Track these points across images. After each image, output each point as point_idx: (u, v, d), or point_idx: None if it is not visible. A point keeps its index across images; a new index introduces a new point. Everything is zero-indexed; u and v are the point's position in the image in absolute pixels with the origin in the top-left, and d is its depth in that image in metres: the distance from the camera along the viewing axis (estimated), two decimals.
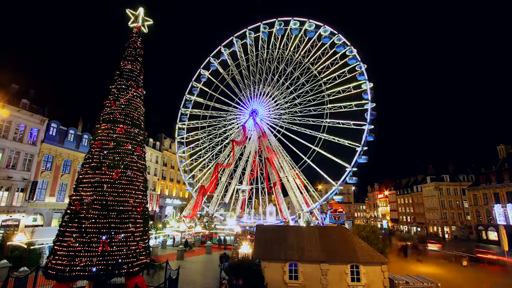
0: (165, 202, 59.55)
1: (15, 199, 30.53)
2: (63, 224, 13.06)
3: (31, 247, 19.73)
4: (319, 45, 44.20)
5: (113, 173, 13.71)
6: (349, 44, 41.71)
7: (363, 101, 40.79)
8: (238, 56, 50.06)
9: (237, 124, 50.68)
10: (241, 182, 49.87)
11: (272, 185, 46.20)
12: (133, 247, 13.25)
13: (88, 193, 13.22)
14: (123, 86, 15.78)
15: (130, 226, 13.43)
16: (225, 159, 48.15)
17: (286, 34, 45.97)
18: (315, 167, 42.81)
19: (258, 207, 60.64)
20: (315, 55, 44.95)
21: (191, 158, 53.88)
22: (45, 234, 22.52)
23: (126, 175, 14.10)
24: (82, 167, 14.35)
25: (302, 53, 45.81)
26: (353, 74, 41.82)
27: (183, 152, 52.95)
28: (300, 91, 46.05)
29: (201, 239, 40.00)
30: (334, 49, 42.96)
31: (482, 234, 56.65)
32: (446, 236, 67.30)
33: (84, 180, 13.64)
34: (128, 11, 18.23)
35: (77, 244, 12.18)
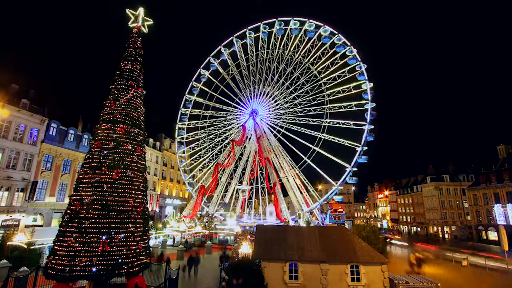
0: (165, 202, 59.55)
1: (15, 199, 30.53)
2: (63, 224, 13.06)
3: (31, 247, 19.73)
4: (319, 45, 44.27)
5: (113, 173, 13.72)
6: (349, 44, 41.76)
7: (363, 101, 40.82)
8: (238, 56, 50.11)
9: (237, 124, 50.70)
10: (241, 182, 49.89)
11: (272, 185, 46.22)
12: (133, 247, 13.25)
13: (88, 193, 13.22)
14: (123, 86, 15.79)
15: (130, 226, 13.44)
16: (225, 159, 48.17)
17: (286, 34, 46.01)
18: (315, 167, 42.92)
19: (258, 207, 60.64)
20: (315, 55, 45.02)
21: (191, 158, 53.90)
22: (45, 234, 22.54)
23: (126, 175, 14.11)
24: (82, 167, 14.35)
25: (302, 53, 45.87)
26: (353, 74, 41.86)
27: (183, 152, 52.97)
28: (300, 91, 46.13)
29: (201, 239, 39.99)
30: (334, 49, 43.04)
31: (482, 234, 56.64)
32: (446, 236, 67.31)
33: (84, 180, 13.65)
34: (128, 11, 18.24)
35: (77, 244, 12.19)
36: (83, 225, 12.53)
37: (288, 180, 45.88)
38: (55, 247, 12.63)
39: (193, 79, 51.81)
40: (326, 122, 43.70)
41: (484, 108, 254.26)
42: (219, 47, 50.05)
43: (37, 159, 32.80)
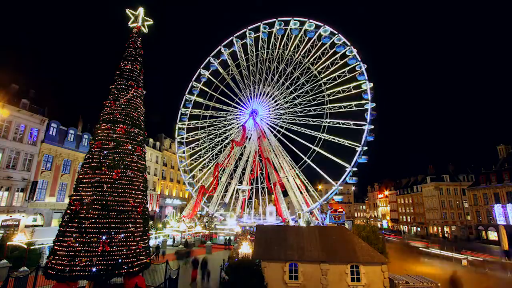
0: (165, 202, 59.56)
1: (15, 199, 30.54)
2: (63, 224, 13.05)
3: (31, 247, 19.71)
4: (319, 45, 44.20)
5: (113, 173, 13.71)
6: (349, 44, 41.71)
7: (363, 101, 40.78)
8: (238, 56, 50.07)
9: (237, 124, 50.68)
10: (241, 182, 49.87)
11: (272, 184, 46.21)
12: (133, 247, 13.24)
13: (88, 193, 13.21)
14: (123, 86, 15.77)
15: (130, 226, 13.43)
16: (225, 159, 48.16)
17: (286, 34, 45.96)
18: (315, 167, 42.85)
19: (258, 207, 60.64)
20: (315, 55, 44.96)
21: (191, 158, 53.88)
22: (45, 234, 22.48)
23: (126, 175, 14.09)
24: (82, 167, 14.34)
25: (302, 53, 45.82)
26: (353, 74, 41.81)
27: (183, 152, 52.95)
28: (300, 91, 46.07)
29: (201, 239, 39.99)
30: (334, 49, 42.96)
31: (482, 234, 56.66)
32: (446, 236, 67.30)
33: (84, 180, 13.64)
34: (128, 11, 18.22)
35: (77, 244, 12.17)
36: (83, 225, 12.52)
37: (288, 180, 45.86)
38: (55, 247, 12.62)
39: (193, 79, 51.79)
40: (326, 122, 43.68)
41: (484, 108, 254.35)
42: (219, 47, 50.01)
43: (37, 159, 32.80)
